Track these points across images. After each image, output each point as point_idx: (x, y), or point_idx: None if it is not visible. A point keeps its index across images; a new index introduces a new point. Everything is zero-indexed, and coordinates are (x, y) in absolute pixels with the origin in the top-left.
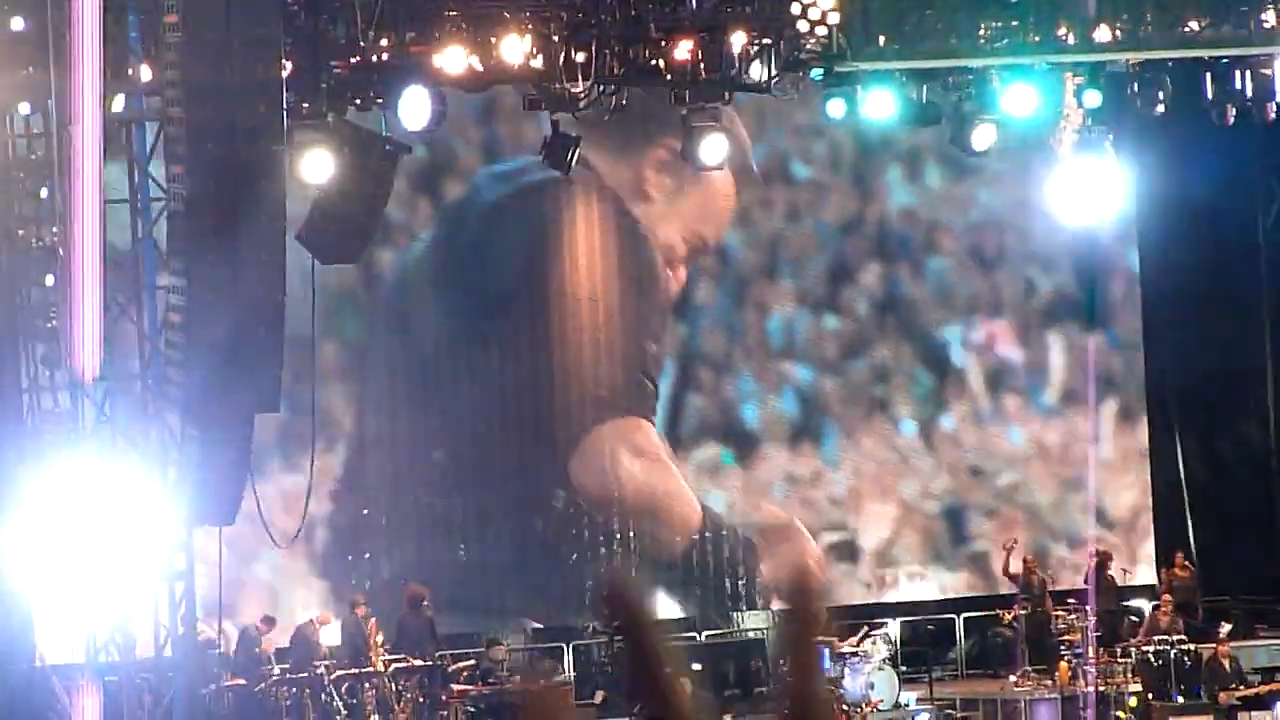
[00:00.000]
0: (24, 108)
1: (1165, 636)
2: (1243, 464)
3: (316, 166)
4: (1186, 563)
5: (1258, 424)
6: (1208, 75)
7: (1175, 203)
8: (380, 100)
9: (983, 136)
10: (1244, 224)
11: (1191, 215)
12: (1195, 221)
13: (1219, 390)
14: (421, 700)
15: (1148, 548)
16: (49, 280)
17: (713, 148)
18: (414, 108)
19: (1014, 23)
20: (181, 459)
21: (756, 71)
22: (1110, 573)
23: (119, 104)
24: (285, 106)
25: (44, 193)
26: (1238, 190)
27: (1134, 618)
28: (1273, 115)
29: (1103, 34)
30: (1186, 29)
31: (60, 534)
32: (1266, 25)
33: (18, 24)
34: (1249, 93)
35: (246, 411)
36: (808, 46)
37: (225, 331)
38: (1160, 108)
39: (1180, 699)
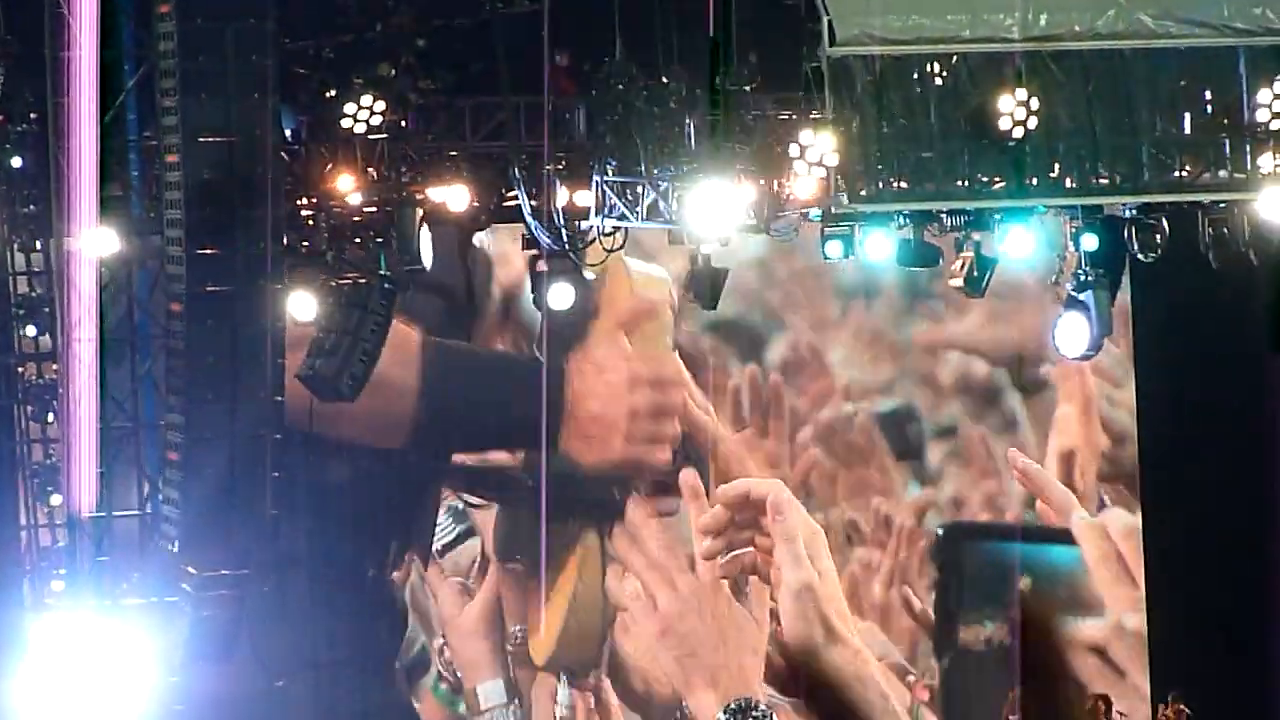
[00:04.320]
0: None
1: None
2: None
3: (316, 305)
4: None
5: None
6: (1203, 218)
7: (1176, 342)
8: (379, 239)
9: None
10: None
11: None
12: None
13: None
14: None
15: None
16: (50, 417)
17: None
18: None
19: (1013, 166)
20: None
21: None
22: None
23: (119, 243)
24: (285, 245)
25: (31, 331)
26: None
27: None
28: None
29: (1101, 179)
30: (1183, 174)
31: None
32: (1263, 171)
33: (17, 161)
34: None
35: (242, 549)
36: (806, 188)
37: (221, 470)
38: (1156, 251)
39: None
